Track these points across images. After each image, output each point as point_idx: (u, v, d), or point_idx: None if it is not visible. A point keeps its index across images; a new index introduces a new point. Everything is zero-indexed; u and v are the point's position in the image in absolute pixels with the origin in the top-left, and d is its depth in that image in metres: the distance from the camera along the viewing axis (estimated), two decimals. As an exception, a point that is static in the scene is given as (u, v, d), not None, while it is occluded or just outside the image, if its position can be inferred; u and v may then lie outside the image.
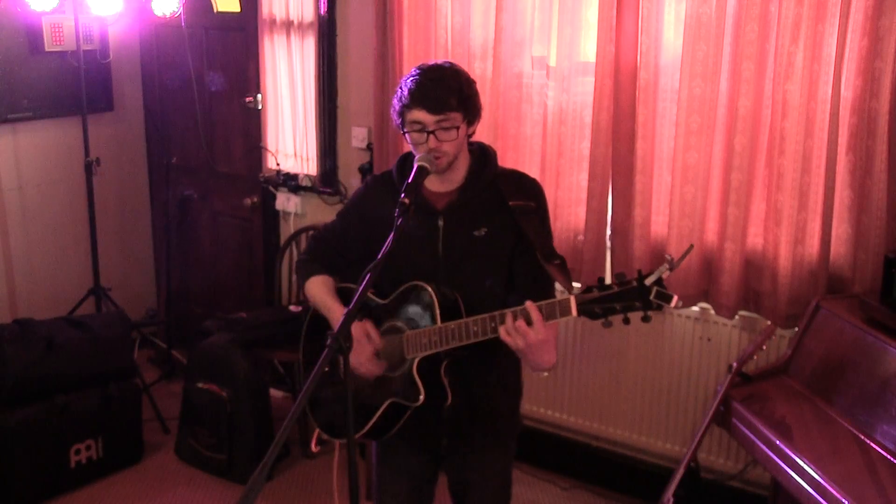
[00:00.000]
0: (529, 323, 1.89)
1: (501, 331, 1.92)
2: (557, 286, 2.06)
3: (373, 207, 2.21)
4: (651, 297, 1.78)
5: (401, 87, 2.06)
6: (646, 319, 1.80)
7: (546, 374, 2.01)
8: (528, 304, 1.89)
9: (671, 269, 1.77)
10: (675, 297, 1.78)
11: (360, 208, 2.27)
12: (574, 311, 1.85)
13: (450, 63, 2.12)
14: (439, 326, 2.02)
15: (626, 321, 1.83)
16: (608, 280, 1.86)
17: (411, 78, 2.05)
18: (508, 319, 1.91)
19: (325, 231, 2.35)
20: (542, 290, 2.06)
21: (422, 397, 2.05)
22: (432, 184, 2.15)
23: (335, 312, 2.17)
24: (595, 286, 1.85)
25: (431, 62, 2.13)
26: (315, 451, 2.38)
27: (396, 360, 2.11)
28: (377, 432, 2.18)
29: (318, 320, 2.30)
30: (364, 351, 2.08)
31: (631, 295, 1.80)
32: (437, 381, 2.07)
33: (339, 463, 2.81)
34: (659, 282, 1.79)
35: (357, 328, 2.06)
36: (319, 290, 2.25)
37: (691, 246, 1.98)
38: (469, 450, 2.27)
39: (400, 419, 2.13)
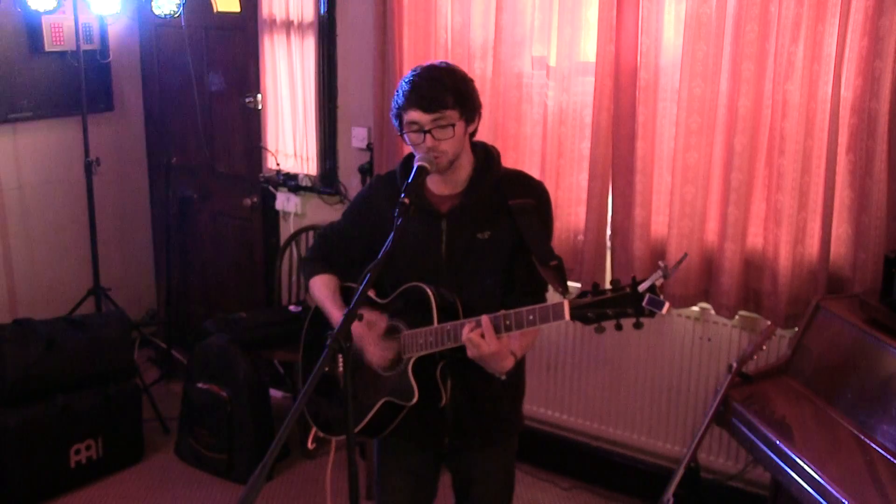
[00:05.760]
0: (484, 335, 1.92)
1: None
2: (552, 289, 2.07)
3: (375, 207, 2.21)
4: (643, 304, 1.78)
5: (397, 90, 2.08)
6: (637, 326, 1.81)
7: (504, 377, 2.04)
8: (484, 318, 1.93)
9: (665, 277, 1.77)
10: (667, 305, 1.78)
11: (362, 208, 2.28)
12: (567, 316, 1.84)
13: (445, 63, 2.12)
14: (435, 327, 2.03)
15: (619, 327, 1.83)
16: (605, 285, 1.86)
17: (406, 80, 2.06)
18: (465, 329, 1.94)
19: (329, 230, 2.36)
20: (534, 295, 2.08)
21: (415, 397, 2.05)
22: (436, 186, 2.15)
23: (335, 315, 2.19)
24: (589, 291, 1.85)
25: (427, 63, 2.12)
26: (311, 448, 2.39)
27: (393, 360, 2.12)
28: (372, 430, 2.19)
29: (318, 322, 2.31)
30: (369, 336, 2.11)
31: (624, 301, 1.80)
32: (432, 382, 2.08)
33: (333, 462, 2.80)
34: (652, 289, 1.79)
35: (357, 326, 2.06)
36: (321, 290, 2.26)
37: (685, 255, 1.98)
38: (472, 448, 2.28)
39: (395, 418, 2.14)
